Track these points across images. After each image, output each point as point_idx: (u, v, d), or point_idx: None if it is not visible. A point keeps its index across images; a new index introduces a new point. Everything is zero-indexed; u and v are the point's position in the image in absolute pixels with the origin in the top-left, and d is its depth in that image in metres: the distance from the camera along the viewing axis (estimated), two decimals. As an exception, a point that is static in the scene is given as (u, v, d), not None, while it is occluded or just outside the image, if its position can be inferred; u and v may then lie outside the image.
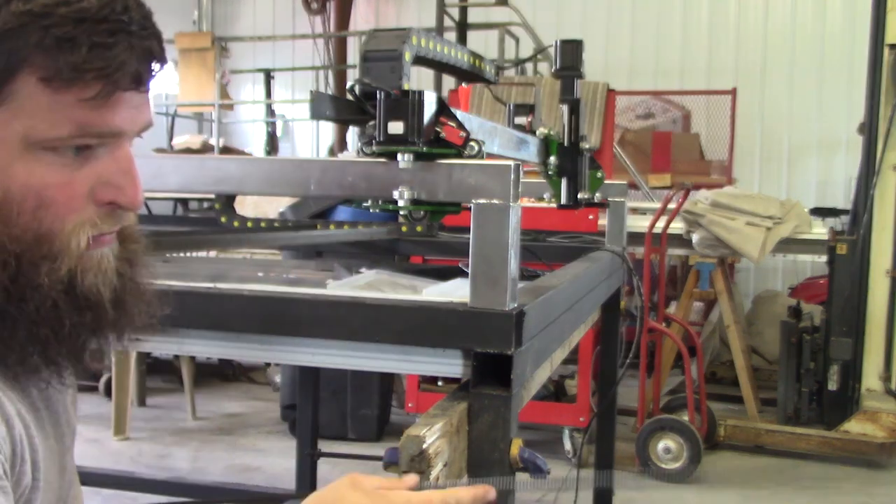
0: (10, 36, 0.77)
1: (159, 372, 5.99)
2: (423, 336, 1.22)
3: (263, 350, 1.33)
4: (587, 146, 2.06)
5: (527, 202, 2.69)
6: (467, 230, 1.19)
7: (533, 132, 1.97)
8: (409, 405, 4.53)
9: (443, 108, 1.28)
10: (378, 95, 1.26)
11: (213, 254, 2.77)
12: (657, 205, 4.91)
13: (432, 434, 1.03)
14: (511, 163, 1.18)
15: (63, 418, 0.97)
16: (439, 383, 4.51)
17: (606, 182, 2.24)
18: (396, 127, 1.24)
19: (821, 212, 6.45)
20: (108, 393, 4.78)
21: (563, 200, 2.05)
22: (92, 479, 3.42)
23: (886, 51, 4.32)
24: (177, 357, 5.42)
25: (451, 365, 1.23)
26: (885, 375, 4.44)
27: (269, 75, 8.53)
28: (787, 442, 4.42)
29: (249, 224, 2.35)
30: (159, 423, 5.02)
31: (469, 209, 1.20)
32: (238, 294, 1.31)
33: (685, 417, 4.31)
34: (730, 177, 7.10)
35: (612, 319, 2.70)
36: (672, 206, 4.48)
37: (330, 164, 1.34)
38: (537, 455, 1.17)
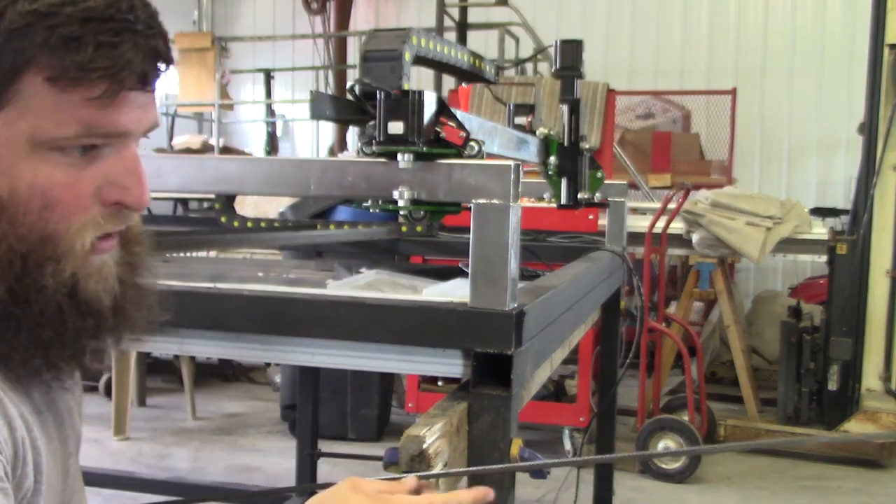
0: (16, 35, 0.77)
1: (159, 372, 5.99)
2: (423, 336, 1.22)
3: (263, 350, 1.33)
4: (587, 146, 2.06)
5: (527, 202, 2.69)
6: (467, 230, 1.19)
7: (533, 132, 1.97)
8: (409, 405, 4.53)
9: (443, 108, 1.28)
10: (378, 95, 1.26)
11: (213, 254, 2.77)
12: (657, 205, 4.91)
13: (432, 434, 1.03)
14: (511, 163, 1.18)
15: (67, 422, 0.96)
16: (439, 383, 4.51)
17: (606, 182, 2.24)
18: (396, 127, 1.24)
19: (821, 212, 6.45)
20: (108, 393, 4.78)
21: (563, 200, 2.05)
22: (92, 479, 3.41)
23: (886, 51, 4.32)
24: (177, 357, 5.42)
25: (451, 365, 1.23)
26: (885, 375, 4.44)
27: (269, 75, 8.52)
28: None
29: (249, 224, 2.35)
30: (159, 423, 5.02)
31: (469, 209, 1.20)
32: (238, 294, 1.31)
33: (685, 417, 4.31)
34: (730, 177, 7.10)
35: (612, 319, 2.70)
36: (672, 206, 4.48)
37: (330, 164, 1.34)
38: (537, 455, 1.17)
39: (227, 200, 2.43)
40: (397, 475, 0.98)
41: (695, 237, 4.73)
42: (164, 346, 1.43)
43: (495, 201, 1.18)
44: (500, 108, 3.74)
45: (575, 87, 2.06)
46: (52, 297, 0.83)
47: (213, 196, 2.87)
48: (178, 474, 4.09)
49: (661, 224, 4.46)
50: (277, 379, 5.31)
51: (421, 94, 1.24)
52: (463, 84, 3.53)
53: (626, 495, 3.88)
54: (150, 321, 0.95)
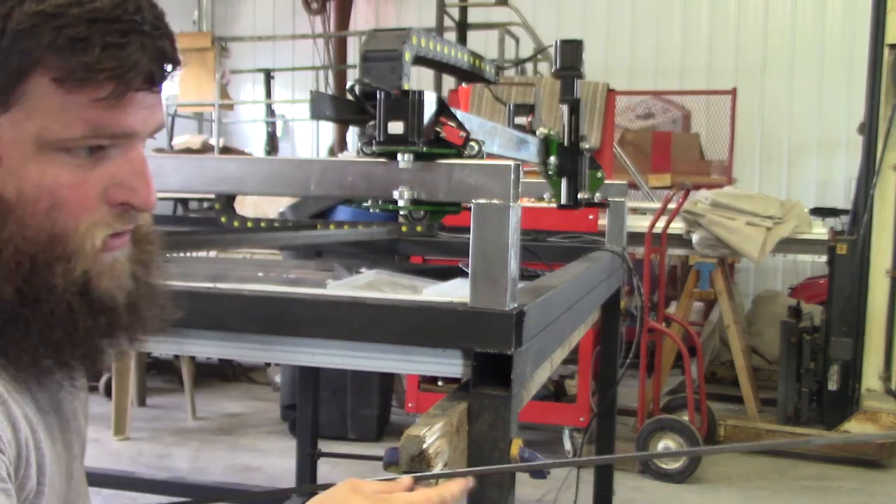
0: (23, 36, 0.77)
1: (159, 372, 5.99)
2: (423, 336, 1.22)
3: (263, 350, 1.33)
4: (587, 146, 2.06)
5: (527, 202, 2.69)
6: (467, 230, 1.19)
7: (533, 132, 1.97)
8: (409, 405, 4.53)
9: (443, 108, 1.28)
10: (378, 95, 1.26)
11: (213, 254, 2.77)
12: (657, 205, 4.91)
13: (432, 434, 1.03)
14: (511, 163, 1.19)
15: (73, 425, 0.96)
16: (439, 383, 4.51)
17: (606, 182, 2.24)
18: (396, 127, 1.24)
19: (821, 212, 6.45)
20: (108, 393, 4.78)
21: (563, 200, 2.05)
22: (92, 479, 3.39)
23: (886, 51, 4.32)
24: (177, 357, 5.43)
25: (451, 365, 1.23)
26: (885, 375, 4.44)
27: (269, 75, 8.52)
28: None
29: (249, 224, 2.35)
30: (159, 423, 5.02)
31: (469, 209, 1.20)
32: (238, 294, 1.31)
33: (685, 417, 4.31)
34: (730, 177, 7.10)
35: (612, 319, 2.70)
36: (672, 206, 4.48)
37: (330, 164, 1.34)
38: (537, 455, 1.17)
39: (227, 200, 2.43)
40: (397, 475, 0.98)
41: (695, 237, 4.73)
42: (164, 346, 1.43)
43: (495, 201, 1.18)
44: (500, 108, 3.74)
45: (575, 87, 2.06)
46: (63, 297, 0.82)
47: (213, 196, 2.86)
48: (178, 474, 4.09)
49: (661, 224, 4.46)
50: (277, 379, 5.31)
51: (421, 94, 1.24)
52: (463, 84, 3.53)
53: (626, 495, 3.88)
54: (163, 319, 0.95)
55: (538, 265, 2.15)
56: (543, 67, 7.09)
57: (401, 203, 1.24)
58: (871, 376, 4.45)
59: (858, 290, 4.43)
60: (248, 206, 4.80)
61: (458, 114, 1.29)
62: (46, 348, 0.84)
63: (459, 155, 1.26)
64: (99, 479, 3.46)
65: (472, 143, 1.28)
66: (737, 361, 4.87)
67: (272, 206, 4.75)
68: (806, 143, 8.38)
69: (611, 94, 4.70)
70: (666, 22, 8.76)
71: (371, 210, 1.42)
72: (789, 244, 4.76)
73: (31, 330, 0.82)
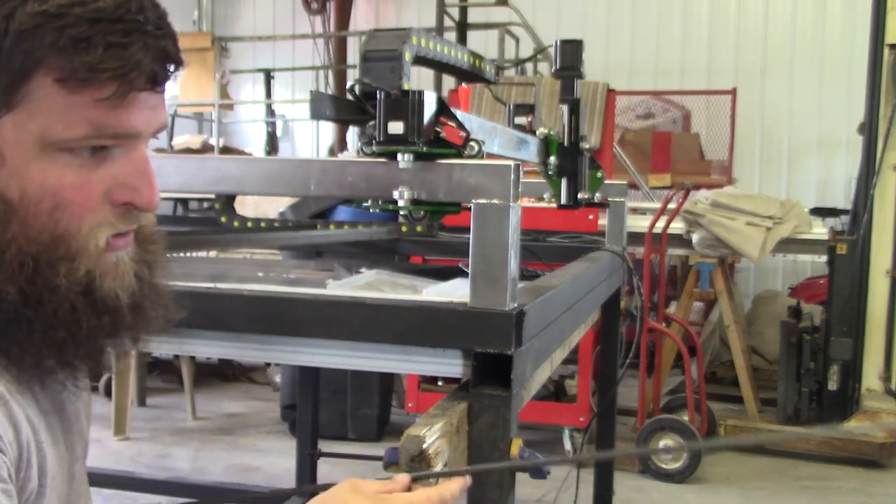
0: (26, 37, 0.77)
1: (159, 372, 5.99)
2: (423, 336, 1.22)
3: (263, 350, 1.33)
4: (587, 146, 2.06)
5: (527, 202, 2.69)
6: (467, 230, 1.19)
7: (533, 132, 1.97)
8: (409, 405, 4.53)
9: (443, 108, 1.28)
10: (378, 95, 1.26)
11: (213, 254, 2.77)
12: (657, 205, 4.91)
13: (432, 434, 1.03)
14: (511, 163, 1.19)
15: (75, 427, 0.96)
16: (439, 383, 4.51)
17: (606, 182, 2.24)
18: (396, 127, 1.24)
19: (821, 212, 6.45)
20: (108, 393, 4.78)
21: (563, 200, 2.05)
22: (92, 479, 3.38)
23: (886, 51, 4.32)
24: (177, 357, 5.42)
25: (451, 365, 1.23)
26: (885, 375, 4.44)
27: (269, 75, 8.52)
28: (787, 442, 4.42)
29: (249, 224, 2.35)
30: (159, 423, 5.02)
31: (469, 209, 1.20)
32: (238, 294, 1.31)
33: (685, 417, 4.31)
34: (730, 177, 7.10)
35: (612, 319, 2.70)
36: (672, 206, 4.48)
37: (330, 164, 1.34)
38: (537, 455, 1.17)
39: (227, 200, 2.43)
40: (397, 475, 0.98)
41: (695, 237, 4.73)
42: (164, 346, 1.43)
43: (495, 201, 1.18)
44: (500, 108, 3.74)
45: (575, 87, 2.06)
46: (66, 297, 0.82)
47: (213, 196, 2.87)
48: (178, 474, 4.09)
49: (661, 224, 4.46)
50: (277, 379, 5.31)
51: (421, 94, 1.24)
52: (463, 84, 3.53)
53: (626, 495, 3.88)
54: (167, 319, 0.95)
55: (538, 265, 2.15)
56: (543, 67, 7.09)
57: (401, 203, 1.24)
58: (871, 376, 4.45)
59: (858, 290, 4.43)
60: (248, 206, 4.80)
61: (458, 114, 1.30)
62: (49, 349, 0.83)
63: (459, 155, 1.26)
64: (99, 479, 3.46)
65: (472, 143, 1.28)
66: (737, 361, 4.87)
67: (272, 206, 4.75)
68: (806, 143, 8.38)
69: (611, 94, 4.70)
70: (666, 22, 8.76)
71: (371, 210, 1.42)
72: (789, 244, 4.76)
73: (34, 330, 0.82)
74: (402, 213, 1.30)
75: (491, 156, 1.41)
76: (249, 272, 2.27)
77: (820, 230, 4.81)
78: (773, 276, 8.09)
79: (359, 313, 1.24)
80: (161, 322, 0.94)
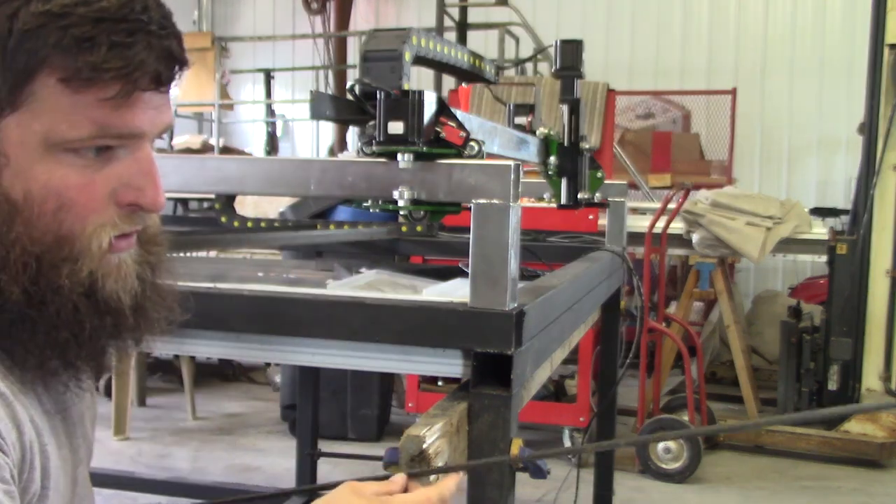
0: (30, 36, 0.77)
1: (159, 372, 5.99)
2: (423, 336, 1.22)
3: (263, 350, 1.33)
4: (587, 146, 2.06)
5: (527, 202, 2.69)
6: (467, 230, 1.19)
7: (533, 132, 1.98)
8: (409, 405, 4.53)
9: (443, 108, 1.28)
10: (378, 95, 1.26)
11: (213, 254, 2.77)
12: (657, 205, 4.91)
13: (432, 434, 1.03)
14: (511, 163, 1.18)
15: (79, 430, 0.96)
16: (439, 383, 4.51)
17: (606, 182, 2.24)
18: (396, 127, 1.24)
19: (821, 212, 6.45)
20: (108, 393, 4.78)
21: (563, 200, 2.05)
22: (92, 479, 3.40)
23: (886, 51, 4.32)
24: (177, 357, 5.42)
25: (451, 365, 1.23)
26: (885, 375, 4.44)
27: (269, 75, 8.52)
28: (787, 442, 4.42)
29: (249, 224, 2.35)
30: (159, 423, 5.02)
31: (469, 209, 1.20)
32: (238, 294, 1.31)
33: (685, 417, 4.31)
34: (730, 177, 7.10)
35: (612, 319, 2.70)
36: (672, 206, 4.48)
37: (330, 164, 1.34)
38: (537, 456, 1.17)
39: (227, 200, 2.43)
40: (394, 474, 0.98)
41: (695, 237, 4.73)
42: (164, 346, 1.43)
43: (495, 201, 1.18)
44: (500, 108, 3.74)
45: (575, 87, 2.06)
46: (69, 298, 0.82)
47: (213, 196, 2.87)
48: (178, 474, 4.09)
49: (661, 224, 4.46)
50: (277, 379, 5.31)
51: (421, 94, 1.24)
52: (463, 84, 3.52)
53: (626, 495, 3.88)
54: (171, 320, 0.95)
55: (538, 265, 2.15)
56: (543, 67, 7.09)
57: (401, 203, 1.24)
58: (871, 376, 4.45)
59: (858, 290, 4.43)
60: (248, 206, 4.80)
61: (458, 114, 1.30)
62: (53, 349, 0.83)
63: (459, 155, 1.26)
64: (99, 479, 3.46)
65: (472, 143, 1.28)
66: (737, 361, 4.87)
67: (272, 206, 4.75)
68: (806, 143, 8.38)
69: (611, 94, 4.70)
70: (666, 22, 8.76)
71: (371, 210, 1.42)
72: (789, 244, 4.76)
73: (37, 331, 0.82)
74: (402, 213, 1.30)
75: (491, 156, 1.41)
76: (249, 272, 2.28)
77: (820, 230, 4.81)
78: (773, 276, 8.09)
79: (359, 313, 1.24)
80: (164, 324, 0.94)
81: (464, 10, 7.04)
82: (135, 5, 0.79)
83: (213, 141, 7.83)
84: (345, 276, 1.96)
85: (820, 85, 8.28)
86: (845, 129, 7.76)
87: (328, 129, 9.02)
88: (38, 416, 0.85)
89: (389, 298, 1.29)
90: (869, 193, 4.38)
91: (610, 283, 2.34)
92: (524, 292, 1.33)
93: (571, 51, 2.04)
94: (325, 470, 3.46)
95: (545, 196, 2.22)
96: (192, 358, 5.17)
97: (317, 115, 1.31)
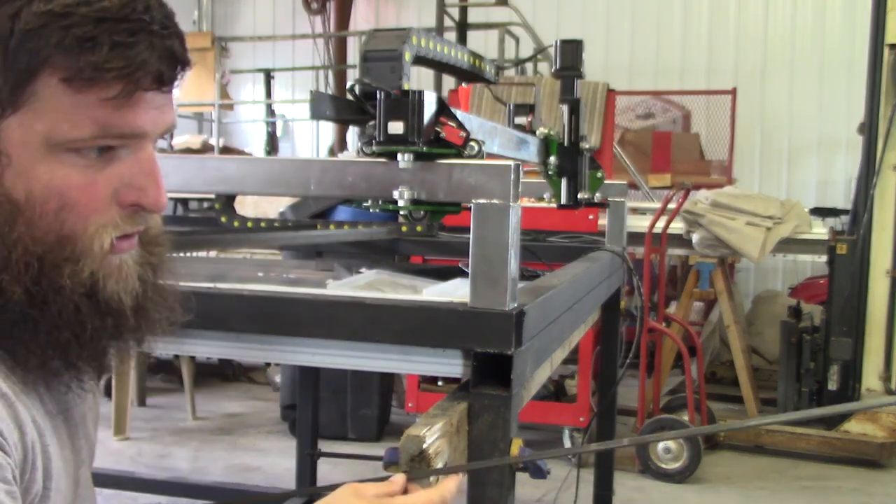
0: (31, 36, 0.77)
1: (159, 372, 5.99)
2: (423, 336, 1.22)
3: (263, 350, 1.33)
4: (587, 146, 2.06)
5: (527, 202, 2.69)
6: (467, 230, 1.19)
7: (533, 132, 1.98)
8: (409, 405, 4.53)
9: (443, 108, 1.28)
10: (378, 95, 1.26)
11: (213, 254, 2.77)
12: (657, 205, 4.91)
13: (432, 434, 1.03)
14: (511, 163, 1.18)
15: (81, 431, 0.96)
16: (439, 383, 4.51)
17: (606, 182, 2.24)
18: (396, 127, 1.24)
19: (821, 212, 6.45)
20: (108, 393, 4.78)
21: (563, 200, 2.05)
22: (92, 479, 3.41)
23: (886, 51, 4.32)
24: (177, 357, 5.42)
25: (451, 365, 1.23)
26: (885, 375, 4.44)
27: (269, 75, 8.52)
28: (787, 442, 4.42)
29: (249, 224, 2.35)
30: (159, 423, 5.02)
31: (469, 209, 1.20)
32: (238, 294, 1.31)
33: (685, 417, 4.31)
34: (730, 177, 7.10)
35: (612, 319, 2.70)
36: (672, 206, 4.48)
37: (330, 164, 1.34)
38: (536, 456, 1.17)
39: (227, 200, 2.43)
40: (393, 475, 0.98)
41: (695, 237, 4.73)
42: (164, 347, 1.43)
43: (495, 201, 1.18)
44: (500, 108, 3.74)
45: (575, 87, 2.06)
46: (70, 298, 0.82)
47: (213, 196, 2.86)
48: (178, 474, 4.09)
49: (661, 224, 4.46)
50: (277, 379, 5.31)
51: (421, 94, 1.24)
52: (463, 84, 3.53)
53: (626, 495, 3.88)
54: (172, 322, 0.95)
55: (538, 265, 2.15)
56: (543, 67, 7.09)
57: (401, 203, 1.24)
58: (871, 376, 4.45)
59: (858, 290, 4.43)
60: (248, 206, 4.80)
61: (458, 114, 1.30)
62: (54, 349, 0.83)
63: (459, 155, 1.26)
64: (99, 479, 3.43)
65: (472, 143, 1.28)
66: (737, 361, 4.87)
67: (272, 206, 4.75)
68: (806, 143, 8.38)
69: (611, 94, 4.70)
70: (666, 22, 8.76)
71: (371, 210, 1.42)
72: (789, 244, 4.76)
73: (39, 331, 0.82)
74: (402, 213, 1.30)
75: (491, 156, 1.41)
76: (249, 272, 2.28)
77: (820, 230, 4.81)
78: (773, 276, 8.09)
79: (359, 313, 1.24)
80: (166, 324, 0.94)
81: (464, 10, 7.04)
82: (137, 5, 0.79)
83: (213, 141, 7.83)
84: (345, 276, 1.96)
85: (820, 85, 8.28)
86: (845, 129, 7.76)
87: (328, 129, 9.02)
88: (40, 417, 0.85)
89: (389, 298, 1.29)
90: (869, 193, 4.38)
91: (610, 283, 2.34)
92: (524, 292, 1.33)
93: (571, 51, 2.04)
94: (325, 470, 3.46)
95: (545, 196, 2.22)
96: (192, 358, 5.17)
97: (317, 115, 1.31)
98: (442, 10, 6.91)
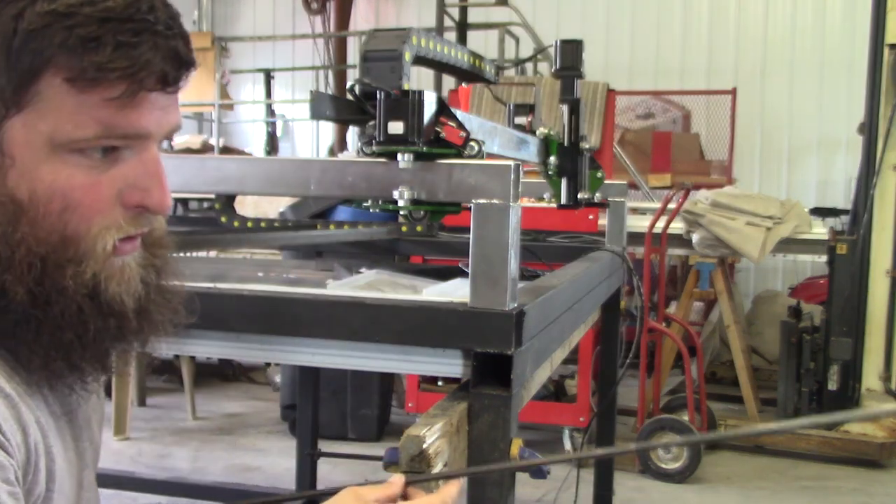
0: (35, 36, 0.76)
1: (159, 372, 5.99)
2: (423, 336, 1.22)
3: (263, 350, 1.33)
4: (587, 146, 2.06)
5: (527, 202, 2.69)
6: (467, 230, 1.19)
7: (533, 132, 1.98)
8: (409, 405, 4.53)
9: (443, 108, 1.28)
10: (378, 95, 1.26)
11: (213, 254, 2.77)
12: (657, 205, 4.91)
13: (432, 434, 1.03)
14: (511, 163, 1.19)
15: (85, 433, 0.96)
16: (439, 383, 4.51)
17: (606, 182, 2.24)
18: (396, 127, 1.24)
19: (821, 212, 6.45)
20: (108, 393, 4.78)
21: (563, 200, 2.05)
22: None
23: (886, 51, 4.32)
24: (177, 357, 5.42)
25: (451, 365, 1.23)
26: (885, 375, 4.44)
27: (269, 75, 8.52)
28: (787, 442, 4.42)
29: (249, 224, 2.35)
30: (159, 423, 5.02)
31: (469, 209, 1.20)
32: (238, 294, 1.31)
33: (685, 417, 4.31)
34: (730, 177, 7.10)
35: (612, 319, 2.70)
36: (672, 206, 4.48)
37: (330, 164, 1.34)
38: (537, 455, 1.17)
39: (227, 200, 2.43)
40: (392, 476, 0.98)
41: (695, 237, 4.73)
42: (164, 347, 1.43)
43: (495, 201, 1.18)
44: (500, 108, 3.74)
45: (575, 87, 2.06)
46: (73, 299, 0.82)
47: (213, 196, 2.86)
48: (178, 474, 4.09)
49: (661, 224, 4.46)
50: (277, 379, 5.31)
51: (421, 94, 1.24)
52: (463, 84, 3.52)
53: (626, 495, 3.88)
54: (176, 323, 0.94)
55: (538, 265, 2.15)
56: (543, 67, 7.08)
57: (401, 203, 1.24)
58: (871, 376, 4.45)
59: (858, 290, 4.43)
60: (248, 206, 4.80)
61: (458, 114, 1.30)
62: (57, 350, 0.83)
63: (459, 155, 1.26)
64: (99, 479, 3.42)
65: (472, 143, 1.28)
66: (737, 361, 4.87)
67: (272, 206, 4.75)
68: (806, 143, 8.38)
69: (611, 94, 4.70)
70: (666, 22, 8.76)
71: (371, 210, 1.42)
72: (789, 244, 4.76)
73: (42, 331, 0.82)
74: (402, 213, 1.30)
75: (491, 156, 1.41)
76: (249, 272, 2.28)
77: (820, 230, 4.81)
78: (773, 276, 8.09)
79: (359, 313, 1.24)
80: (169, 326, 0.93)
81: (464, 10, 7.04)
82: (141, 5, 0.79)
83: (213, 141, 7.82)
84: (345, 276, 1.96)
85: (820, 85, 8.28)
86: (845, 129, 7.76)
87: (328, 129, 9.02)
88: (44, 418, 0.85)
89: (389, 298, 1.29)
90: (869, 193, 4.38)
91: (610, 283, 2.34)
92: (524, 292, 1.33)
93: (571, 51, 2.04)
94: (325, 470, 3.46)
95: (545, 196, 2.22)
96: (192, 358, 5.17)
97: (317, 115, 1.31)
98: (442, 10, 6.91)
